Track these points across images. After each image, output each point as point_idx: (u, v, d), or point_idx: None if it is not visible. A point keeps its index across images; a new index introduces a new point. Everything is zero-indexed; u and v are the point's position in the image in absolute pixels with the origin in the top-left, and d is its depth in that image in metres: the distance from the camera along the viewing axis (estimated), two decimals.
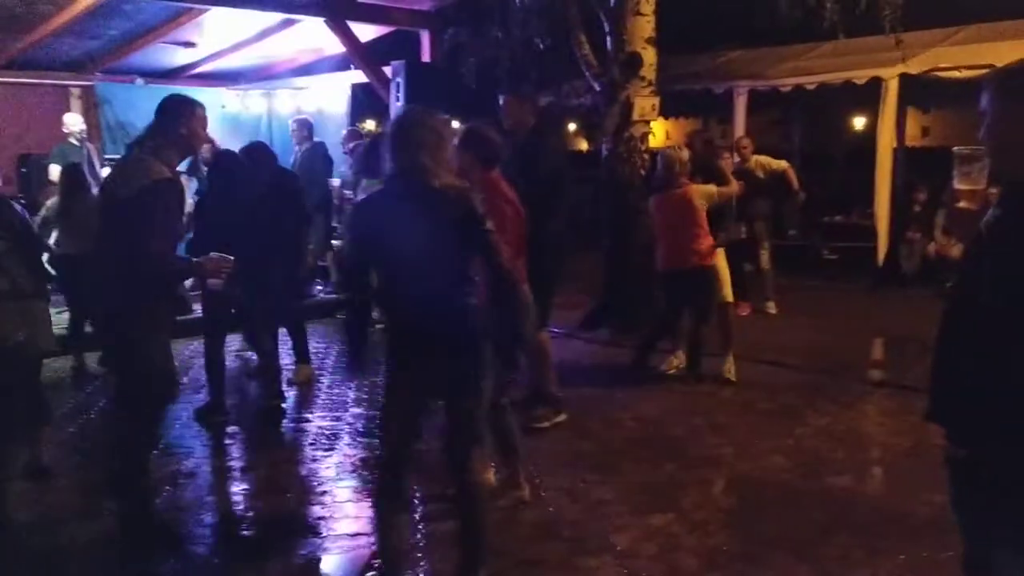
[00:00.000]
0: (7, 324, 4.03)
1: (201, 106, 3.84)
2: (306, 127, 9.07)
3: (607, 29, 8.08)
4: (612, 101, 8.03)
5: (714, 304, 6.15)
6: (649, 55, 8.02)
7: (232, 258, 3.82)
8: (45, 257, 6.74)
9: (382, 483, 3.25)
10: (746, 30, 11.08)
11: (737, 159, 8.52)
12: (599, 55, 8.19)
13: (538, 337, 4.83)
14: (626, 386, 6.04)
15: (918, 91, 9.65)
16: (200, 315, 6.07)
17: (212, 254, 3.80)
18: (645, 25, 7.97)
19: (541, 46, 10.36)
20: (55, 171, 7.99)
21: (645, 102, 8.05)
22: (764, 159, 8.62)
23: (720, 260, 6.21)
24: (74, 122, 8.23)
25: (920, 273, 9.73)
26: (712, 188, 6.08)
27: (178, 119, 3.72)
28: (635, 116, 8.01)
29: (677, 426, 5.32)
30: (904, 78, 8.91)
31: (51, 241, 6.43)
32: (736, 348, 6.27)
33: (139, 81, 10.39)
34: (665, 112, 9.09)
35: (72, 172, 6.60)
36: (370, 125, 13.44)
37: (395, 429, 3.20)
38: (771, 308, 8.50)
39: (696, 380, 6.14)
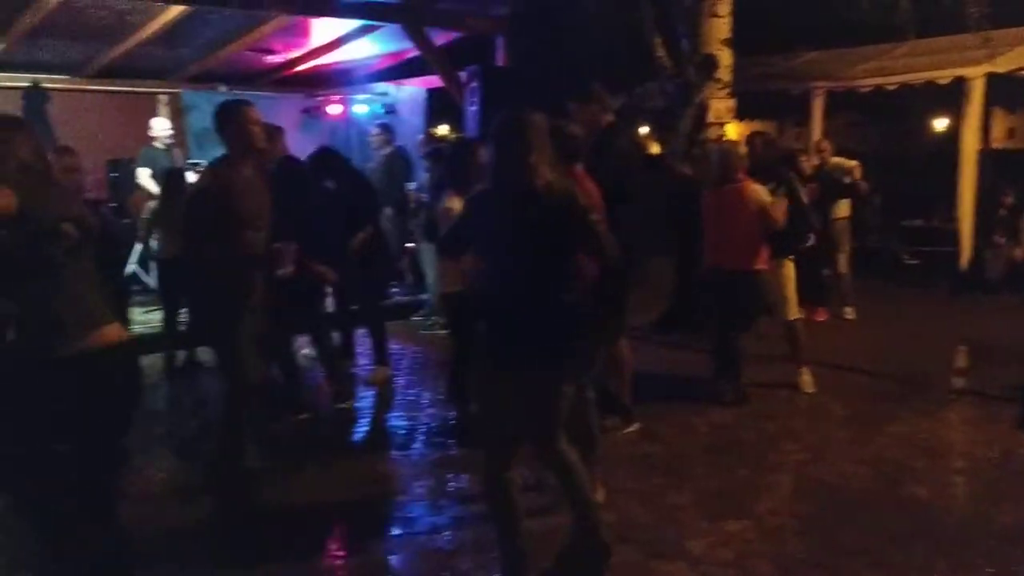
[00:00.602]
0: None
1: (247, 106, 4.05)
2: (387, 132, 9.24)
3: (682, 31, 8.05)
4: (687, 103, 7.99)
5: (756, 313, 5.91)
6: (725, 56, 7.96)
7: (295, 245, 4.02)
8: (136, 259, 7.01)
9: (489, 476, 3.31)
10: (823, 30, 10.90)
11: (816, 161, 8.40)
12: (674, 57, 8.16)
13: (618, 345, 4.86)
14: (698, 390, 6.00)
15: (1005, 90, 9.36)
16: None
17: (275, 244, 4.02)
18: (721, 26, 7.91)
19: (615, 49, 10.37)
20: (142, 174, 8.33)
21: (720, 104, 8.00)
22: (839, 160, 8.46)
23: (788, 272, 5.98)
24: (161, 127, 8.55)
25: (1006, 279, 9.43)
26: (766, 196, 5.69)
27: (225, 124, 3.97)
28: (710, 118, 7.96)
29: (751, 431, 5.27)
30: (990, 77, 8.66)
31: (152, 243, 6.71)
32: (812, 354, 6.16)
33: (222, 88, 10.72)
34: (740, 114, 9.01)
35: (172, 177, 6.88)
36: (443, 130, 13.59)
37: (493, 423, 3.29)
38: (849, 313, 8.34)
39: (734, 394, 5.80)
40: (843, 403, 5.79)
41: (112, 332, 2.85)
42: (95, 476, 2.89)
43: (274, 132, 5.39)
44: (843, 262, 8.35)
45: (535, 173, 3.06)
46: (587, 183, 4.20)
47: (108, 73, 10.22)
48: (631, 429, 5.22)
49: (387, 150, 9.08)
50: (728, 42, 7.96)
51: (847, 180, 8.20)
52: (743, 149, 6.17)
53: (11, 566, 3.32)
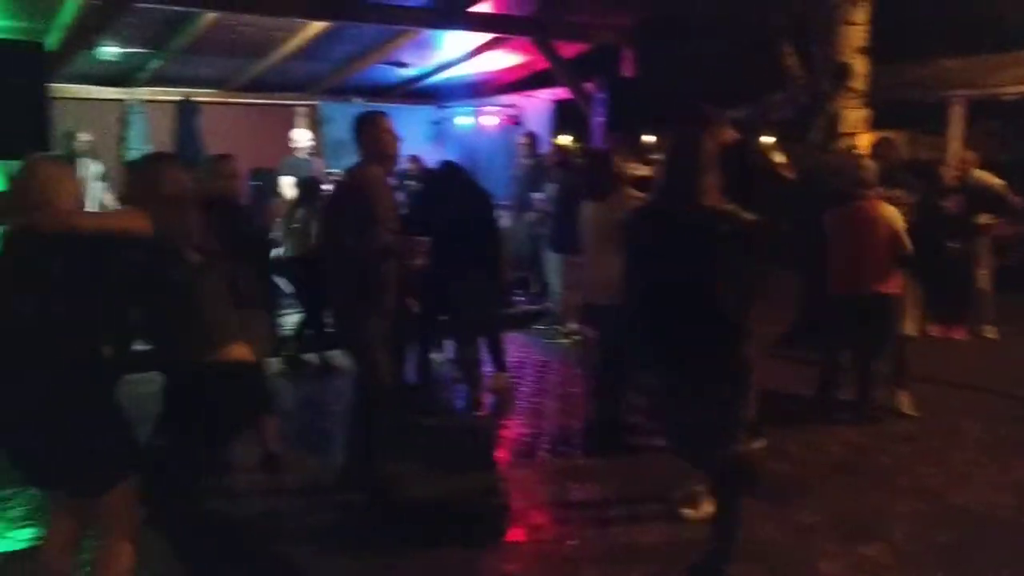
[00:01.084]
0: None
1: (382, 116, 4.34)
2: (534, 142, 9.43)
3: (814, 39, 7.90)
4: (817, 113, 7.83)
5: (891, 338, 5.68)
6: (859, 65, 7.77)
7: (425, 238, 4.29)
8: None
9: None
10: (962, 36, 10.46)
11: (956, 173, 8.09)
12: (805, 66, 8.02)
13: None
14: (827, 409, 5.87)
15: None
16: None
17: (405, 237, 4.30)
18: (856, 34, 7.73)
19: (742, 58, 10.24)
20: (284, 183, 8.74)
21: (854, 114, 7.81)
22: (984, 175, 8.10)
23: (908, 284, 5.77)
24: (302, 137, 8.98)
25: None
26: (897, 218, 5.44)
27: (362, 133, 4.28)
28: (843, 129, 7.78)
29: (883, 453, 5.14)
30: None
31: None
32: (948, 374, 5.95)
33: (357, 100, 11.14)
34: (874, 124, 8.76)
35: (307, 184, 7.23)
36: (566, 141, 13.68)
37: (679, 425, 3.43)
38: (990, 332, 7.98)
39: (868, 418, 5.64)
40: (982, 426, 5.57)
41: (233, 351, 3.08)
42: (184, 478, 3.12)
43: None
44: (984, 278, 8.00)
45: (700, 194, 3.19)
46: None
47: (252, 87, 10.79)
48: (757, 445, 5.17)
49: (531, 160, 9.26)
50: (863, 50, 7.77)
51: (994, 194, 7.85)
52: (871, 160, 6.01)
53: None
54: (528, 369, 7.26)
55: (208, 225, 4.51)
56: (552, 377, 7.05)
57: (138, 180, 3.14)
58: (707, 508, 4.12)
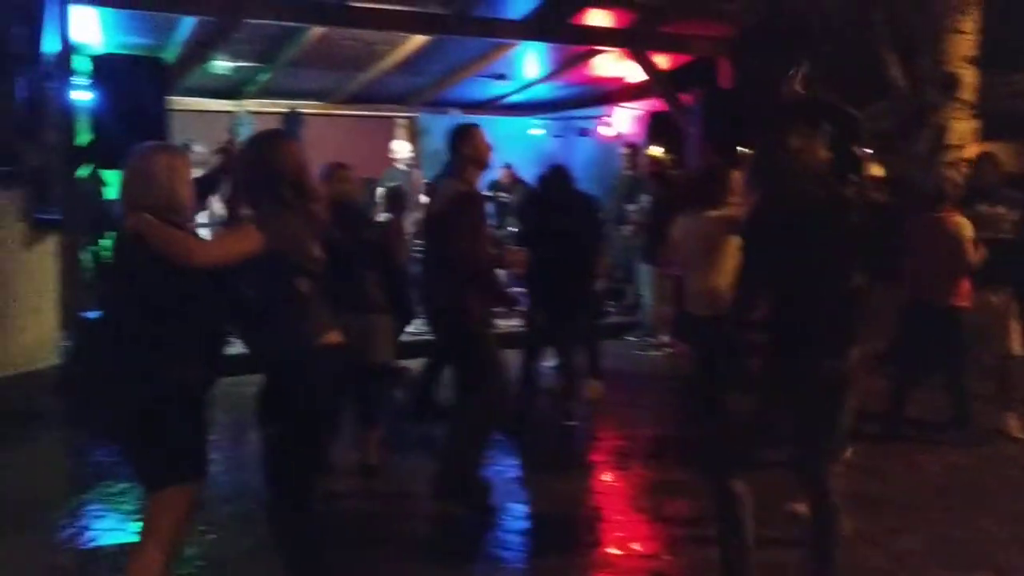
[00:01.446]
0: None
1: (477, 127, 4.44)
2: (635, 153, 9.46)
3: (921, 49, 7.72)
4: (922, 125, 7.64)
5: (962, 353, 5.52)
6: (968, 75, 7.56)
7: (525, 249, 4.33)
8: None
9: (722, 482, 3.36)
10: None
11: None
12: (909, 75, 7.83)
13: None
14: (928, 429, 5.71)
15: None
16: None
17: (509, 248, 4.40)
18: (965, 43, 7.53)
19: (846, 69, 10.03)
20: (382, 193, 8.97)
21: (962, 125, 7.60)
22: None
23: (1008, 301, 5.61)
24: (402, 149, 9.21)
25: None
26: (967, 231, 5.35)
27: (460, 143, 4.34)
28: (950, 140, 7.57)
29: (991, 477, 4.98)
30: None
31: None
32: None
33: (455, 112, 11.33)
34: (984, 136, 8.47)
35: (393, 192, 7.42)
36: (656, 152, 13.61)
37: (750, 432, 3.37)
38: None
39: (973, 440, 5.46)
40: None
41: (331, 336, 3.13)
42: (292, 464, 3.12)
43: None
44: None
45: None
46: None
47: (354, 99, 11.10)
48: (846, 455, 5.08)
49: (631, 170, 9.28)
50: (972, 60, 7.55)
51: None
52: (959, 173, 5.86)
53: None
54: (620, 380, 7.26)
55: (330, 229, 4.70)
56: (644, 389, 7.05)
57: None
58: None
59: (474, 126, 4.50)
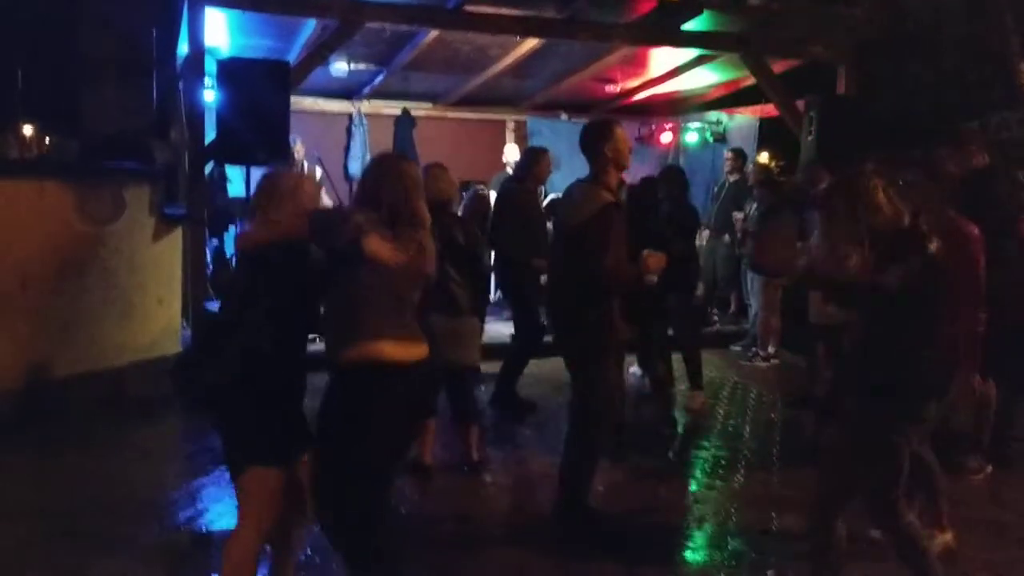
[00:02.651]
0: (434, 339, 4.70)
1: (616, 123, 4.15)
2: (740, 158, 9.34)
3: None
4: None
5: None
6: None
7: (665, 255, 4.04)
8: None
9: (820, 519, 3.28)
10: None
11: None
12: None
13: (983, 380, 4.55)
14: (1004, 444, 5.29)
15: None
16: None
17: (647, 251, 4.05)
18: None
19: (971, 77, 9.64)
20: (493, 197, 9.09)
21: None
22: None
23: None
24: (512, 154, 9.31)
25: None
26: None
27: (600, 142, 4.03)
28: None
29: None
30: None
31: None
32: None
33: (563, 116, 11.39)
34: None
35: (480, 198, 7.50)
36: (763, 159, 13.34)
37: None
38: None
39: None
40: None
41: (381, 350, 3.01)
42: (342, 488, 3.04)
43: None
44: None
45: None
46: (966, 226, 4.02)
47: (464, 101, 11.28)
48: (986, 471, 4.92)
49: (735, 177, 9.16)
50: None
51: None
52: None
53: None
54: (724, 390, 7.16)
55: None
56: (747, 400, 6.92)
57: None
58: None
59: (614, 122, 4.17)
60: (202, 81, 7.24)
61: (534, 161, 6.51)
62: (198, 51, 7.08)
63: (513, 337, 6.66)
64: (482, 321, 5.80)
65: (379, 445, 3.01)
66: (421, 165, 9.47)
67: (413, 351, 3.07)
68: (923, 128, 7.93)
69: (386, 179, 3.10)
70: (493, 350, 7.64)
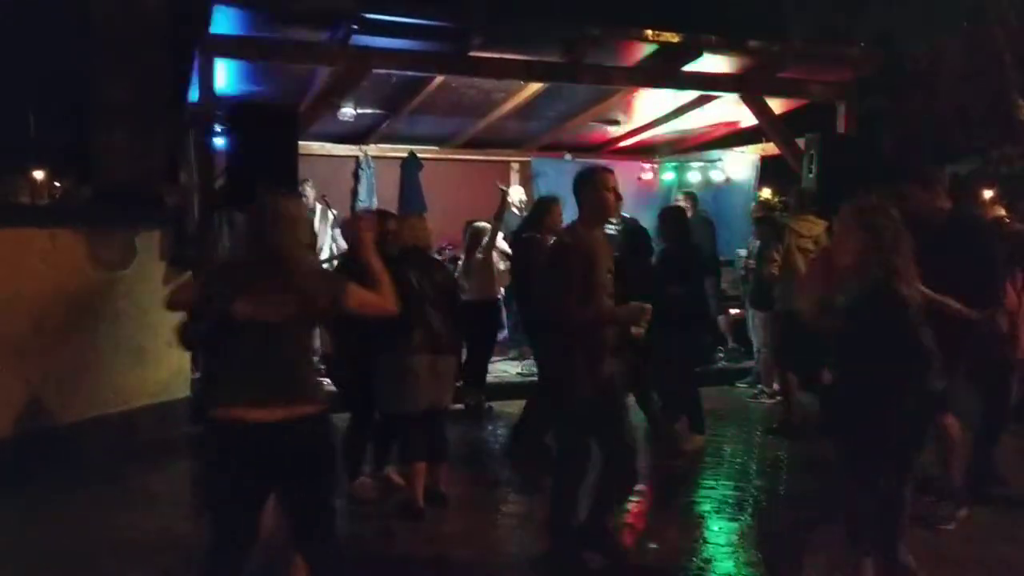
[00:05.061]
0: (416, 379, 4.83)
1: (601, 170, 4.23)
2: (691, 199, 9.72)
3: None
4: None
5: None
6: None
7: (648, 306, 4.06)
8: None
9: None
10: None
11: None
12: None
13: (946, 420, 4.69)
14: None
15: None
16: None
17: (631, 304, 4.10)
18: None
19: (971, 112, 9.77)
20: (499, 237, 9.18)
21: None
22: None
23: None
24: (516, 193, 9.41)
25: None
26: None
27: (582, 188, 4.18)
28: None
29: None
30: None
31: None
32: None
33: (567, 156, 11.52)
34: None
35: (476, 232, 7.63)
36: (765, 194, 13.45)
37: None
38: None
39: None
40: None
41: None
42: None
43: None
44: None
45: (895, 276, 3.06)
46: None
47: (470, 144, 11.44)
48: (961, 513, 4.89)
49: (690, 215, 9.17)
50: None
51: None
52: None
53: None
54: (729, 429, 7.16)
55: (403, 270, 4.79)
56: (753, 437, 6.94)
57: None
58: None
59: (600, 171, 4.24)
60: (212, 127, 7.38)
61: (545, 211, 6.58)
62: (208, 97, 7.22)
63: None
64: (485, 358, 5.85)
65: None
66: (426, 206, 9.66)
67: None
68: (922, 164, 8.04)
69: (260, 222, 3.18)
70: (502, 389, 7.77)
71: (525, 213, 9.32)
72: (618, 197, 4.26)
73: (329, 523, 3.24)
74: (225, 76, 7.81)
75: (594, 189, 4.16)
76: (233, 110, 7.02)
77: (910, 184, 4.85)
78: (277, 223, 3.12)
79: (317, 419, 3.10)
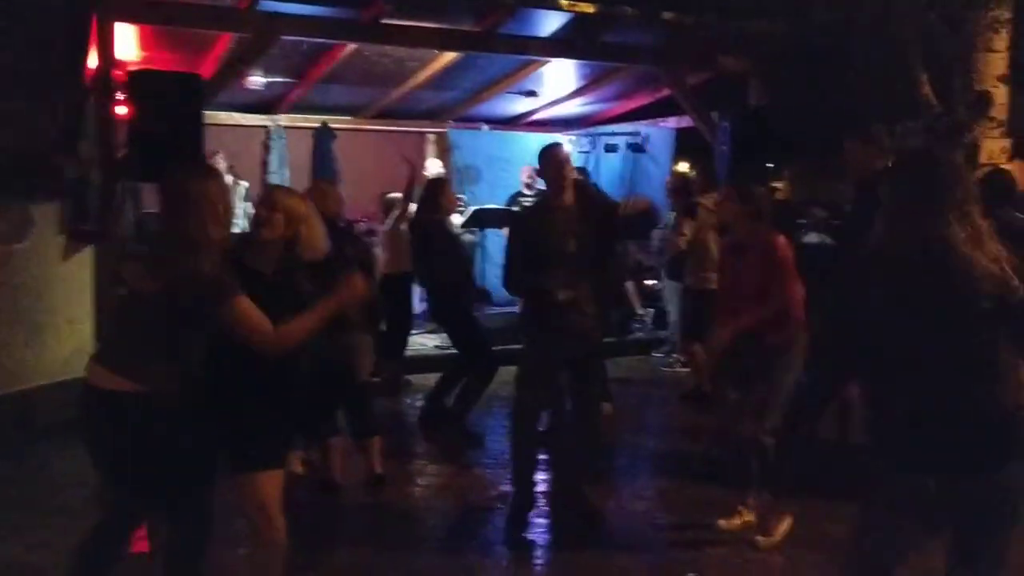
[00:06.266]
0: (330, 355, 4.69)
1: (551, 147, 4.48)
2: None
3: (953, 68, 7.69)
4: (955, 143, 7.60)
5: None
6: (1000, 94, 7.52)
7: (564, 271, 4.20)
8: None
9: None
10: None
11: None
12: (941, 94, 7.81)
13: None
14: None
15: None
16: None
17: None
18: (998, 62, 7.49)
19: (876, 87, 9.99)
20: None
21: (994, 144, 7.55)
22: None
23: None
24: (432, 165, 9.33)
25: None
26: None
27: (542, 162, 4.43)
28: (982, 159, 7.52)
29: None
30: None
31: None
32: None
33: (484, 127, 11.44)
34: (1016, 154, 8.42)
35: (388, 203, 7.53)
36: (683, 168, 13.60)
37: None
38: None
39: None
40: None
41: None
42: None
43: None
44: None
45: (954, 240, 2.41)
46: (774, 240, 4.23)
47: (385, 114, 11.23)
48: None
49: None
50: (1004, 78, 7.52)
51: None
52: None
53: None
54: (643, 397, 7.27)
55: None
56: (667, 405, 7.06)
57: None
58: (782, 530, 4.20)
59: (551, 145, 4.50)
60: (113, 95, 7.06)
61: (439, 192, 6.45)
62: (108, 64, 6.90)
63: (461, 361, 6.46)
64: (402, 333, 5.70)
65: None
66: (342, 178, 9.43)
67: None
68: (832, 138, 8.22)
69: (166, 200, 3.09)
70: (420, 363, 7.72)
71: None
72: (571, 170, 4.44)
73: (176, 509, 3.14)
74: (127, 42, 7.48)
75: (544, 162, 4.40)
76: (133, 77, 6.73)
77: (849, 142, 5.01)
78: (179, 204, 2.98)
79: (132, 398, 2.92)
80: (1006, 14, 7.39)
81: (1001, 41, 7.45)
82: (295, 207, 3.17)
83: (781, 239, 4.26)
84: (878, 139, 5.10)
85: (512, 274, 4.42)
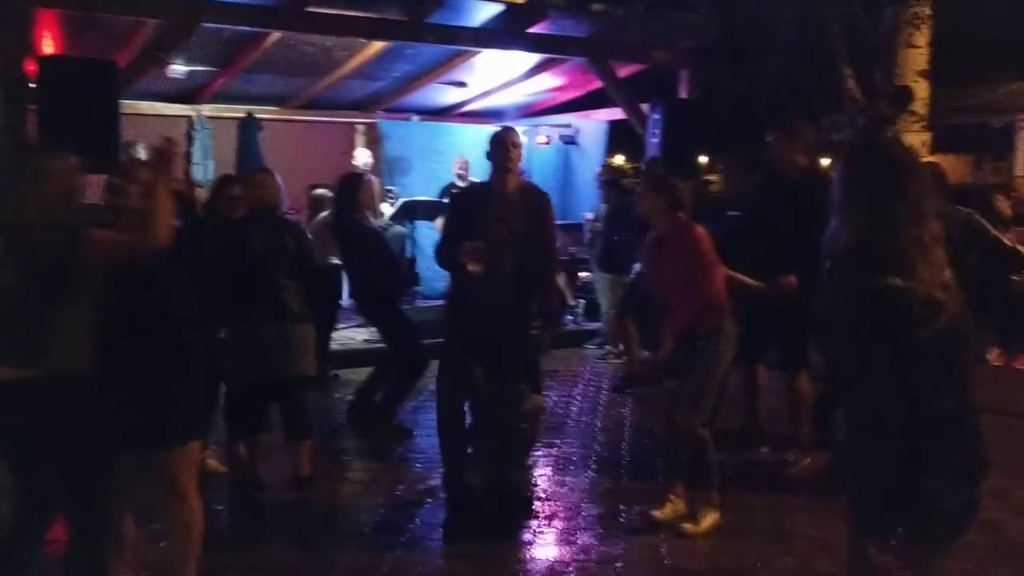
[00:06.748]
0: (265, 348, 4.59)
1: (501, 131, 4.49)
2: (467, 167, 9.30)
3: (876, 62, 7.85)
4: (878, 137, 7.75)
5: None
6: (921, 89, 7.70)
7: (482, 244, 4.20)
8: None
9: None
10: None
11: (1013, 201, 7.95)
12: (864, 89, 7.96)
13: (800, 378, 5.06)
14: None
15: None
16: None
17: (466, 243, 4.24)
18: (918, 58, 7.66)
19: (802, 81, 10.17)
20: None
21: (915, 138, 7.72)
22: None
23: None
24: (361, 155, 9.17)
25: None
26: None
27: (489, 143, 4.44)
28: None
29: None
30: None
31: None
32: (1016, 404, 5.75)
33: (415, 118, 11.30)
34: (935, 148, 8.65)
35: (314, 200, 7.42)
36: (619, 160, 13.68)
37: None
38: None
39: None
40: None
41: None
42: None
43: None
44: None
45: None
46: (691, 230, 4.24)
47: (312, 104, 11.01)
48: (803, 464, 5.08)
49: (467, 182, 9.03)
50: (924, 73, 7.69)
51: None
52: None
53: None
54: (577, 388, 7.26)
55: (248, 236, 4.59)
56: (600, 396, 7.05)
57: None
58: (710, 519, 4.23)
59: (501, 131, 4.49)
60: (24, 84, 6.74)
61: (354, 188, 6.04)
62: (19, 51, 6.59)
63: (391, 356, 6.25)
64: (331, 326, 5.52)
65: None
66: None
67: None
68: (759, 129, 8.33)
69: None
70: (349, 356, 7.55)
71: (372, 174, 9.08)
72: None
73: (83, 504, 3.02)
74: (41, 28, 7.17)
75: (491, 146, 4.41)
76: (44, 65, 6.45)
77: (774, 134, 5.04)
78: (28, 184, 3.04)
79: (43, 383, 2.87)
80: (926, 10, 7.56)
81: (922, 37, 7.62)
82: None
83: (699, 229, 4.25)
84: (802, 132, 5.13)
85: (443, 248, 4.48)
